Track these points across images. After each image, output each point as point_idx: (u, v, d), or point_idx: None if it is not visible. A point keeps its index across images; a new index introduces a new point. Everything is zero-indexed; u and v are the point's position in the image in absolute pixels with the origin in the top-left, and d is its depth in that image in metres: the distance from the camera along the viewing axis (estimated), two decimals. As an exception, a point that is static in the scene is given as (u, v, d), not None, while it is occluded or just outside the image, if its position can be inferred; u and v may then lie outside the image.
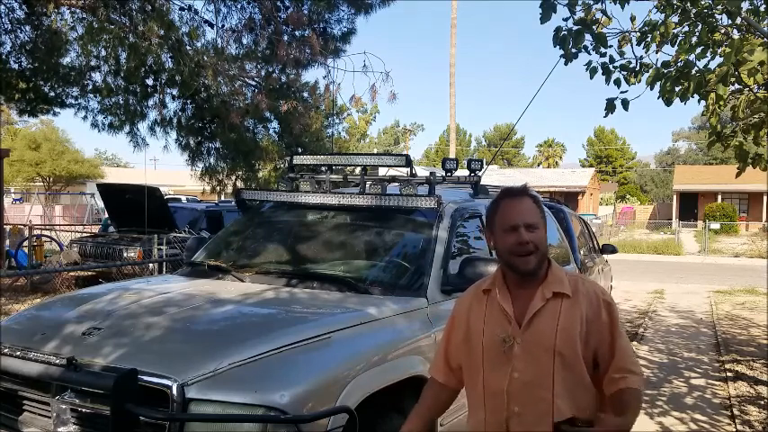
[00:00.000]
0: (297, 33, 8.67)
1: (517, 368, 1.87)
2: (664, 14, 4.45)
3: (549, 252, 2.00)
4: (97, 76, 9.71)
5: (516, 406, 1.87)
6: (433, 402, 2.13)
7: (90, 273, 9.61)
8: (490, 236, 2.00)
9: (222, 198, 14.99)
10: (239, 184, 10.91)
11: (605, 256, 8.04)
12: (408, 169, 4.01)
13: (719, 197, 38.61)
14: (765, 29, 4.45)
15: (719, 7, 4.20)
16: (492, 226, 1.98)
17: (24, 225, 14.72)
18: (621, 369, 1.88)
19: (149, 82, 9.52)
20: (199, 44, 8.23)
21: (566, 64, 4.45)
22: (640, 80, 4.64)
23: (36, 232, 12.74)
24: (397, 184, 4.06)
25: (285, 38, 8.30)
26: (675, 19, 4.43)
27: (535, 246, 1.89)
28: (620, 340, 1.91)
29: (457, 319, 2.09)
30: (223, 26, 8.44)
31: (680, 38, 4.57)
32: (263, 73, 9.69)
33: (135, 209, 9.63)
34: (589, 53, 4.47)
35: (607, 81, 4.59)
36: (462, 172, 4.49)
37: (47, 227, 16.43)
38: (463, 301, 2.10)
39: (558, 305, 1.88)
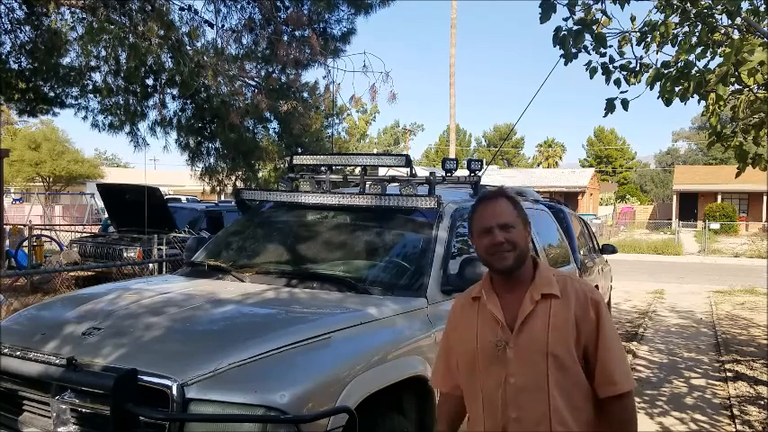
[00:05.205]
0: (297, 33, 8.65)
1: (512, 373, 1.86)
2: (664, 14, 4.45)
3: (530, 250, 2.00)
4: (97, 76, 9.72)
5: (514, 411, 1.86)
6: (449, 417, 2.14)
7: (90, 273, 9.60)
8: (471, 240, 2.02)
9: (222, 198, 14.99)
10: (239, 184, 10.89)
11: (605, 257, 8.05)
12: (408, 169, 4.01)
13: (719, 197, 38.61)
14: (765, 29, 4.45)
15: (719, 7, 4.20)
16: (471, 230, 2.00)
17: (24, 225, 14.70)
18: (605, 380, 1.87)
19: (149, 82, 9.52)
20: (199, 44, 8.21)
21: (566, 64, 4.45)
22: (640, 80, 4.64)
23: (36, 232, 12.72)
24: (396, 184, 4.06)
25: (285, 38, 8.28)
26: (675, 19, 4.43)
27: (512, 244, 1.89)
28: (604, 342, 1.87)
29: (451, 328, 2.09)
30: (223, 26, 8.42)
31: (680, 38, 4.57)
32: (263, 73, 9.68)
33: (135, 209, 9.63)
34: (589, 53, 4.48)
35: (607, 81, 4.60)
36: (462, 172, 4.49)
37: (47, 227, 16.42)
38: (455, 309, 2.11)
39: (547, 307, 1.88)
